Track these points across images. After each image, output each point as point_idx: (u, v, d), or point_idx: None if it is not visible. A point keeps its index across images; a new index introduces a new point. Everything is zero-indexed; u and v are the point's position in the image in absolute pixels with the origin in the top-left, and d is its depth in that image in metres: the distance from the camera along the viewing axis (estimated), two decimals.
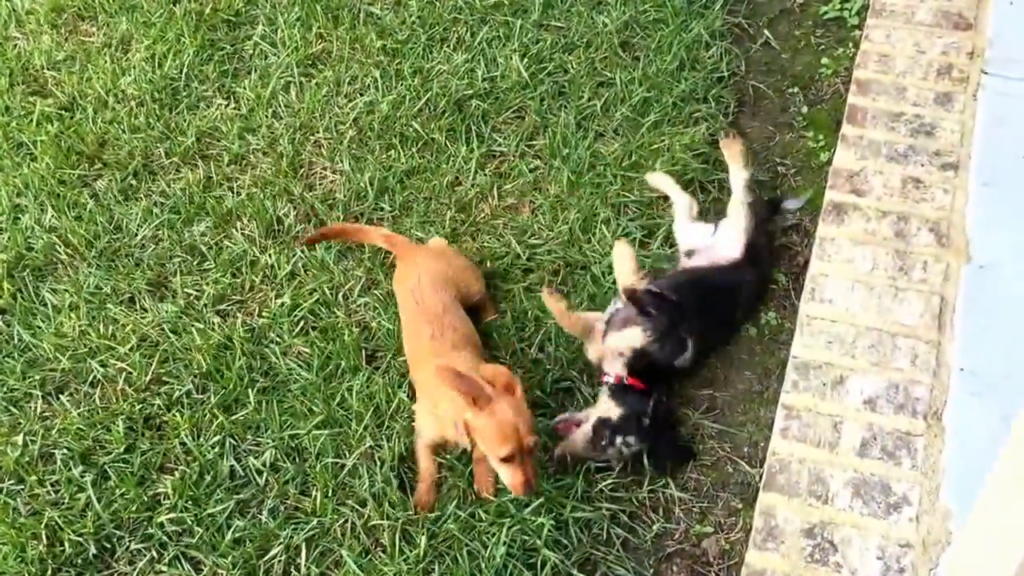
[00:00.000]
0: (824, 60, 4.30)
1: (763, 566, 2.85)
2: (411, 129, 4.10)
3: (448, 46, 4.40)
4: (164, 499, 3.15)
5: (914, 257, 3.44)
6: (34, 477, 3.20)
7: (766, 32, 4.43)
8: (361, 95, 4.25)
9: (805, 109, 4.14)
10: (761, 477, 3.06)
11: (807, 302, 3.38)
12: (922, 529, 2.84)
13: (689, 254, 3.57)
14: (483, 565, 2.92)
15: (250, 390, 3.36)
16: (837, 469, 3.00)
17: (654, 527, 3.06)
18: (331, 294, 3.62)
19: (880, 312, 3.32)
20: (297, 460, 3.22)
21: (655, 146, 3.95)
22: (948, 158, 3.69)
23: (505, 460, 2.79)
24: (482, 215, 3.84)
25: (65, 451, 3.27)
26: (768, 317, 3.52)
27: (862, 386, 3.16)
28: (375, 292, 3.62)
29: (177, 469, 3.21)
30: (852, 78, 4.02)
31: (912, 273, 3.40)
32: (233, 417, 3.32)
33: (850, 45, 4.31)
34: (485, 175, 3.94)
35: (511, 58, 4.28)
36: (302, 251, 3.75)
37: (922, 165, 3.69)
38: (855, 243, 3.50)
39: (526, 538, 2.97)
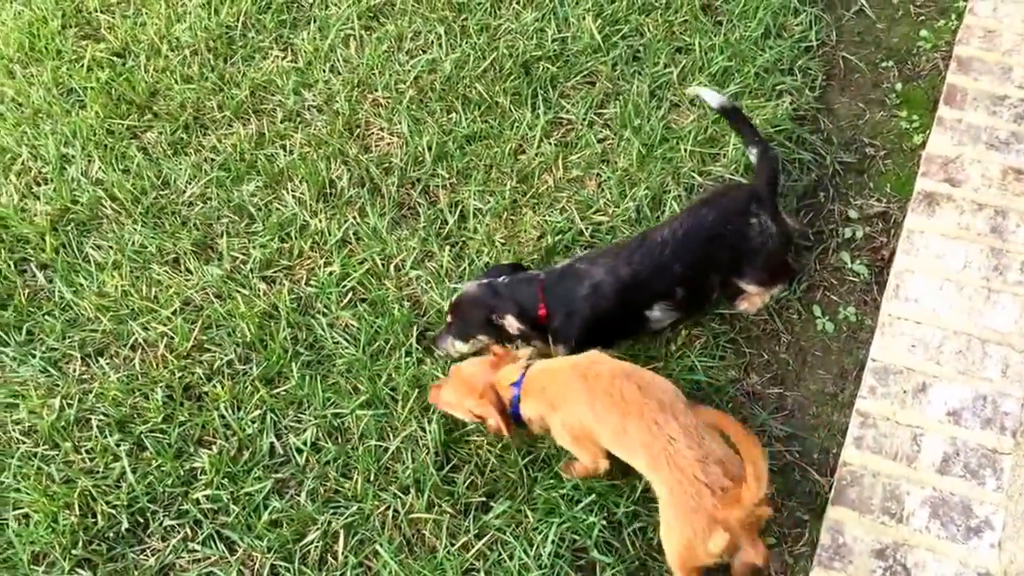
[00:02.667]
0: (923, 32, 4.00)
1: None
2: (474, 91, 3.91)
3: (518, 2, 4.18)
4: (200, 474, 3.09)
5: (1011, 256, 3.24)
6: (69, 443, 3.15)
7: None
8: (424, 52, 4.06)
9: (899, 86, 3.87)
10: (831, 488, 2.91)
11: (890, 300, 3.19)
12: (1004, 557, 2.70)
13: None
14: (529, 564, 2.83)
15: (294, 363, 3.26)
16: (914, 486, 2.86)
17: None
18: (382, 265, 3.48)
19: (970, 315, 3.13)
20: (339, 440, 3.13)
21: None
22: None
23: None
24: (545, 186, 3.65)
25: (102, 417, 3.21)
26: (847, 312, 3.29)
27: (946, 396, 2.99)
28: (428, 264, 3.46)
29: (215, 443, 3.15)
30: (953, 54, 3.75)
31: (1008, 274, 3.20)
32: (275, 391, 3.24)
33: (953, 17, 4.01)
34: (550, 144, 3.75)
35: (584, 18, 4.05)
36: (354, 218, 3.59)
37: None
38: (946, 238, 3.31)
39: (576, 538, 2.89)
